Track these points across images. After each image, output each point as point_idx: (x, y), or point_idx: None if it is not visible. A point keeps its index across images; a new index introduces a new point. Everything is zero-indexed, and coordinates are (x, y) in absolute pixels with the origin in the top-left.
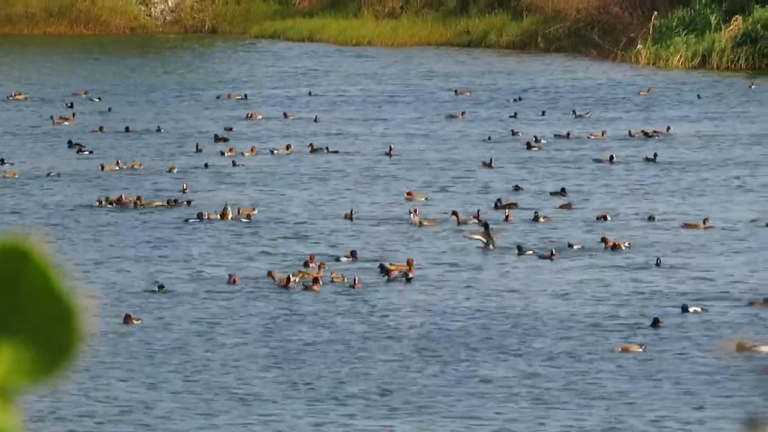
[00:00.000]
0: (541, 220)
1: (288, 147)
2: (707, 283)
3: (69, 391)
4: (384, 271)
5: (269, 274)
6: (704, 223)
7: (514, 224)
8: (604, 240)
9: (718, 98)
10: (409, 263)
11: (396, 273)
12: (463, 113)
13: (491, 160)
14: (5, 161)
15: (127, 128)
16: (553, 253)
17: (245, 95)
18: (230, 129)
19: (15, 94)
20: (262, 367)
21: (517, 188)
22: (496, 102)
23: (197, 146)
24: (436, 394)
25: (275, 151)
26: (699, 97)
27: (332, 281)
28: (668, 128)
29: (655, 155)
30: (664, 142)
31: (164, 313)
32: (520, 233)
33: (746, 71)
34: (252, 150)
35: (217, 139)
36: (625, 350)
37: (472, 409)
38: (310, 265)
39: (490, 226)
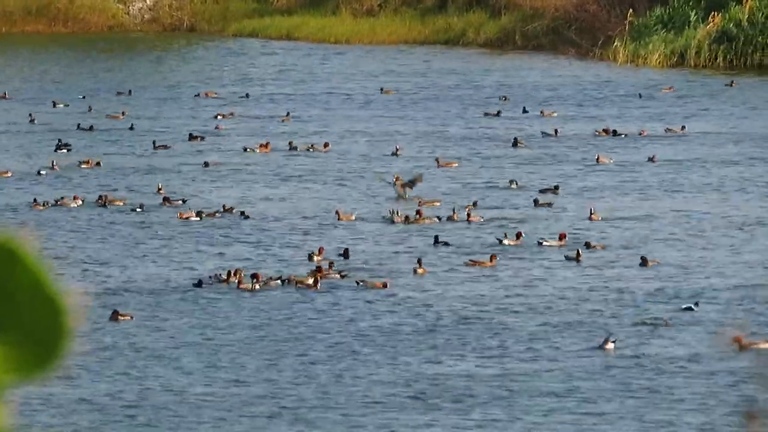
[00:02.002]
0: (522, 216)
1: (266, 145)
2: (699, 281)
3: (57, 386)
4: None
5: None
6: None
7: (481, 222)
8: (586, 244)
9: (692, 96)
10: (492, 258)
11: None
12: (498, 112)
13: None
14: None
15: (132, 126)
16: (579, 253)
17: (247, 94)
18: (217, 127)
19: None
20: (248, 367)
21: (512, 183)
22: (480, 100)
23: (165, 145)
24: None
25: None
26: (640, 96)
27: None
28: (683, 127)
29: (654, 156)
30: (648, 141)
31: (152, 310)
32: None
33: (724, 69)
34: (267, 146)
35: (191, 137)
36: (603, 348)
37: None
38: (315, 258)
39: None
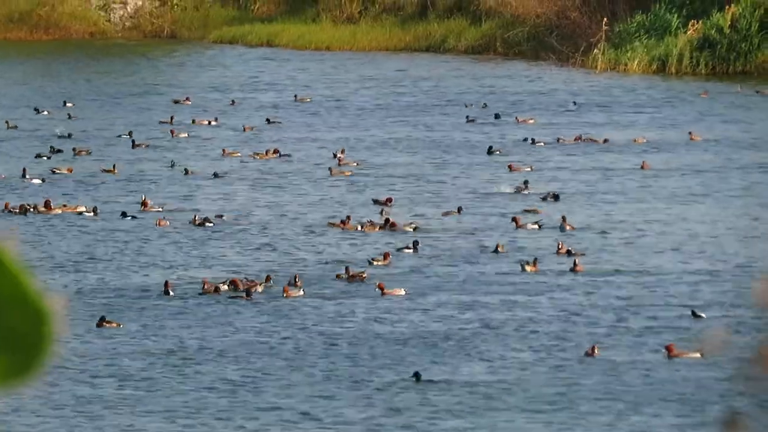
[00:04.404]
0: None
1: (272, 151)
2: (665, 289)
3: (43, 393)
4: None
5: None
6: None
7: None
8: (558, 246)
9: (670, 104)
10: (534, 262)
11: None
12: (475, 119)
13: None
14: None
15: (120, 135)
16: (577, 264)
17: (233, 100)
18: (184, 135)
19: None
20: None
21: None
22: (457, 108)
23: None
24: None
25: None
26: (575, 104)
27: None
28: (680, 133)
29: (644, 163)
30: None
31: (139, 317)
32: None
33: (706, 76)
34: (275, 152)
35: (134, 145)
36: (592, 354)
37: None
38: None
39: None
